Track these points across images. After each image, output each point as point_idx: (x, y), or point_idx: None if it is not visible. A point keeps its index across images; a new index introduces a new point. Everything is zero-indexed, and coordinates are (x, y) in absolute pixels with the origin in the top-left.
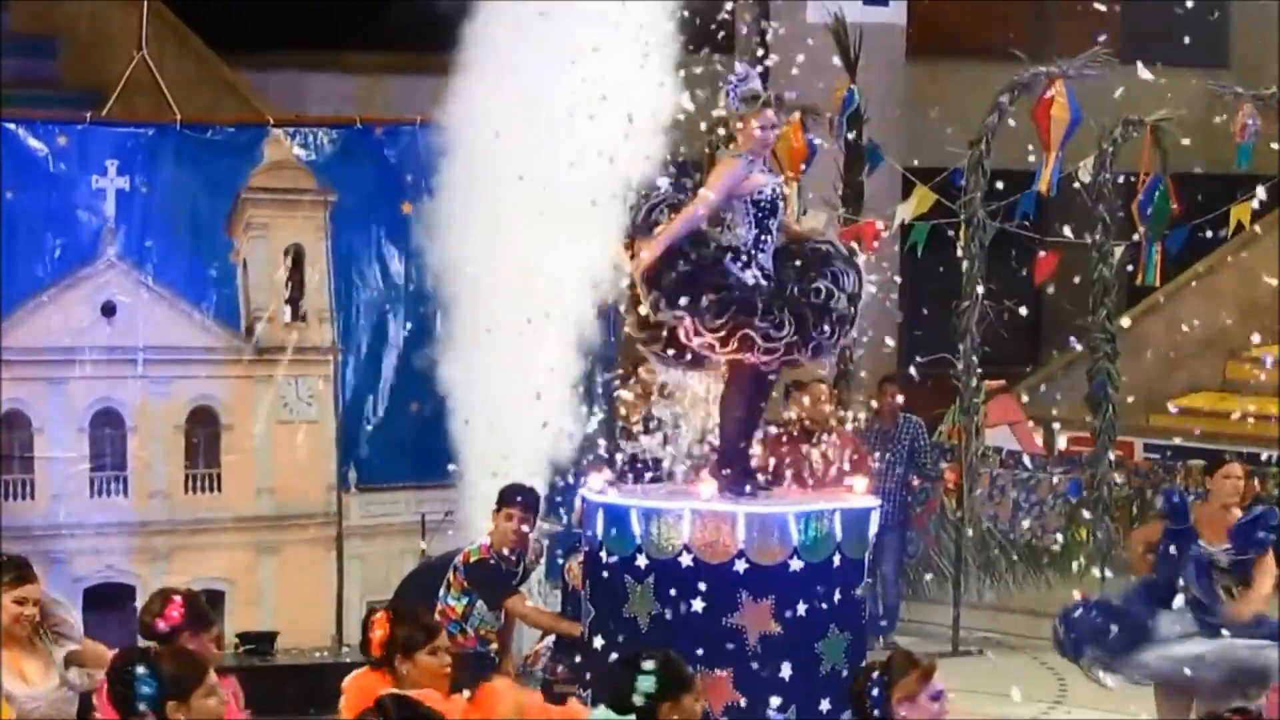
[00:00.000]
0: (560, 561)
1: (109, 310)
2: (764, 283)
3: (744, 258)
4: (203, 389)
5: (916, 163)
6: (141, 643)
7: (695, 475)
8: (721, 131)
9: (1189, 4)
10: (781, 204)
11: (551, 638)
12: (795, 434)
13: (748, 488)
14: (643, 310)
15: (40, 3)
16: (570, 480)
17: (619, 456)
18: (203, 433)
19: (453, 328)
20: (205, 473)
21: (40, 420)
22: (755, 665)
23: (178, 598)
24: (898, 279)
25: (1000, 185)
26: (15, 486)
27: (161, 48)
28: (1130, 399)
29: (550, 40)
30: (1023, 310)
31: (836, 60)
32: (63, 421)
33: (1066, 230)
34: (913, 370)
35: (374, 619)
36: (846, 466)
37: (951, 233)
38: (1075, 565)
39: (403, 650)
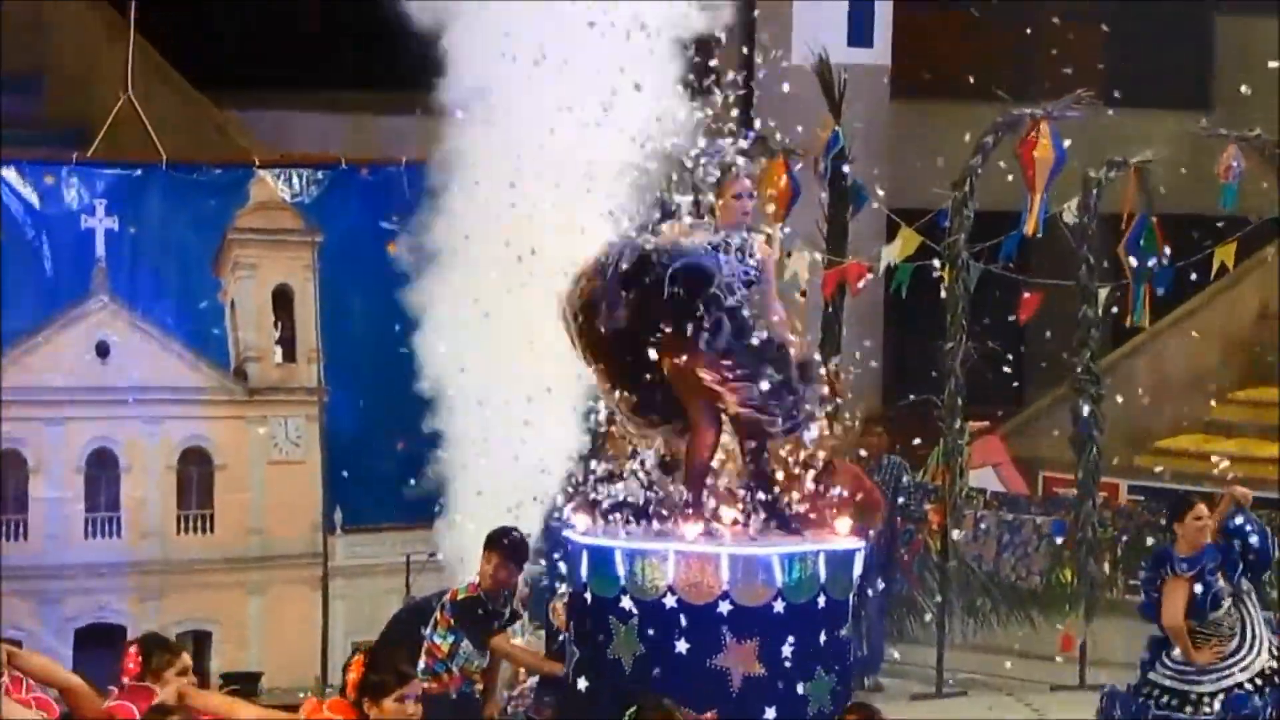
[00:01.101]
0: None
1: (103, 350)
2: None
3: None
4: (195, 429)
5: (901, 204)
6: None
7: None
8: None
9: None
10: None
11: (535, 678)
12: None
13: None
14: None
15: (26, 41)
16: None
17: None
18: (195, 473)
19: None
20: (198, 513)
21: (36, 460)
22: (740, 707)
23: (133, 648)
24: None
25: (985, 227)
26: (11, 527)
27: (147, 87)
28: (1115, 440)
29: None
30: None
31: (821, 101)
32: (58, 462)
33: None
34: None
35: (352, 661)
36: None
37: (936, 274)
38: (1059, 606)
39: (372, 694)
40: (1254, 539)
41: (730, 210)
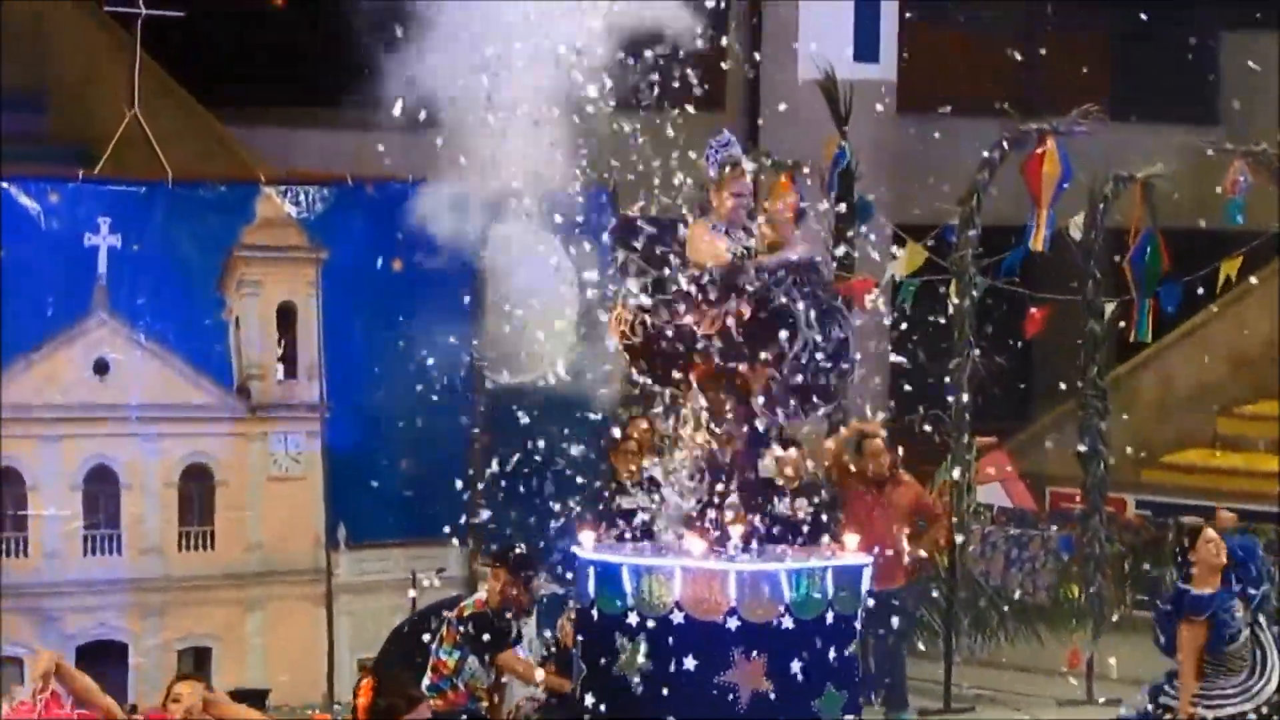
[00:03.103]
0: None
1: (102, 368)
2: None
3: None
4: (196, 446)
5: (908, 219)
6: None
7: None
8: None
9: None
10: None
11: (539, 692)
12: (865, 484)
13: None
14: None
15: (30, 58)
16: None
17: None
18: (196, 490)
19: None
20: (199, 530)
21: (34, 478)
22: None
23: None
24: (889, 336)
25: (991, 242)
26: (10, 544)
27: (152, 104)
28: (1122, 455)
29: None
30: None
31: (828, 116)
32: (56, 479)
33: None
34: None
35: (360, 685)
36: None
37: (943, 289)
38: (1066, 622)
39: (382, 719)
40: (1247, 561)
41: (725, 207)
